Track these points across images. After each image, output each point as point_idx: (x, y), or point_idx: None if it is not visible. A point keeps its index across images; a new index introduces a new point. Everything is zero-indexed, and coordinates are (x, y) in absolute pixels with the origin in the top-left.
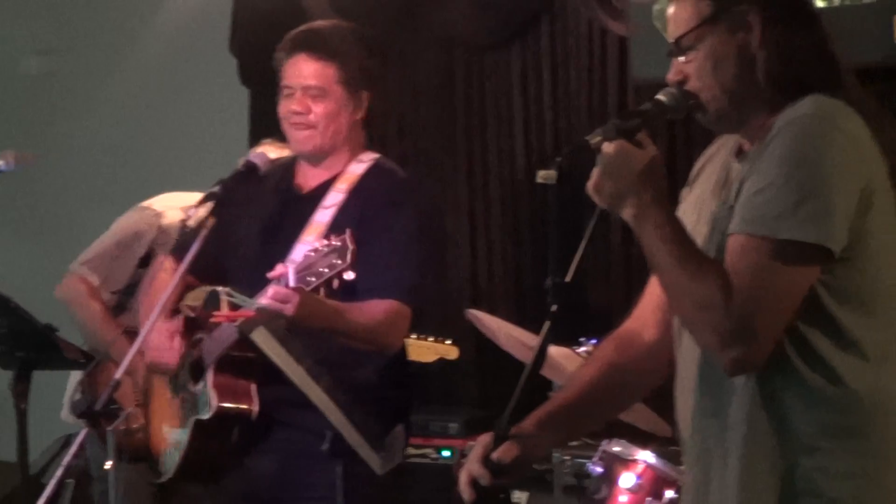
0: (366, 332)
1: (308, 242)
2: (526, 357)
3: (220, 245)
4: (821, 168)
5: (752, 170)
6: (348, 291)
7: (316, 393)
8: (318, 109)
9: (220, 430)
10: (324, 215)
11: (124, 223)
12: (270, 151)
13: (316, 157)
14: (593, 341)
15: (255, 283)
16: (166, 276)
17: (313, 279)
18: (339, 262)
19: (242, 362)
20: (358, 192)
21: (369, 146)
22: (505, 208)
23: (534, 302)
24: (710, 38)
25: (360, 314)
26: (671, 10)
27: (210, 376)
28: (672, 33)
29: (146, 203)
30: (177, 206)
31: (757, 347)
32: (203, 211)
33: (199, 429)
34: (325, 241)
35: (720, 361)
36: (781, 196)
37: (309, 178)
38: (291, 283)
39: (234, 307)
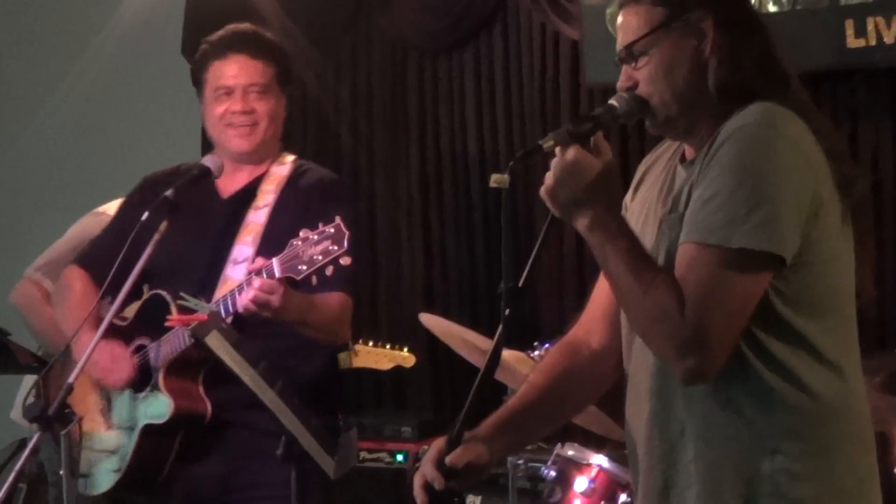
0: (328, 322)
1: (247, 243)
2: (479, 360)
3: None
4: (769, 176)
5: (699, 178)
6: (296, 286)
7: (270, 396)
8: (261, 107)
9: (171, 434)
10: (258, 216)
11: (79, 229)
12: None
13: (250, 157)
14: (546, 345)
15: (182, 287)
16: (79, 285)
17: (304, 267)
18: (336, 247)
19: (188, 365)
20: (289, 190)
21: (321, 150)
22: (458, 212)
23: (487, 305)
24: (662, 43)
25: (324, 305)
26: (621, 18)
27: (161, 380)
28: (623, 40)
29: (101, 209)
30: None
31: (712, 356)
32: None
33: (149, 434)
34: (316, 229)
35: (675, 371)
36: (731, 205)
37: (231, 181)
38: (277, 273)
39: (186, 311)
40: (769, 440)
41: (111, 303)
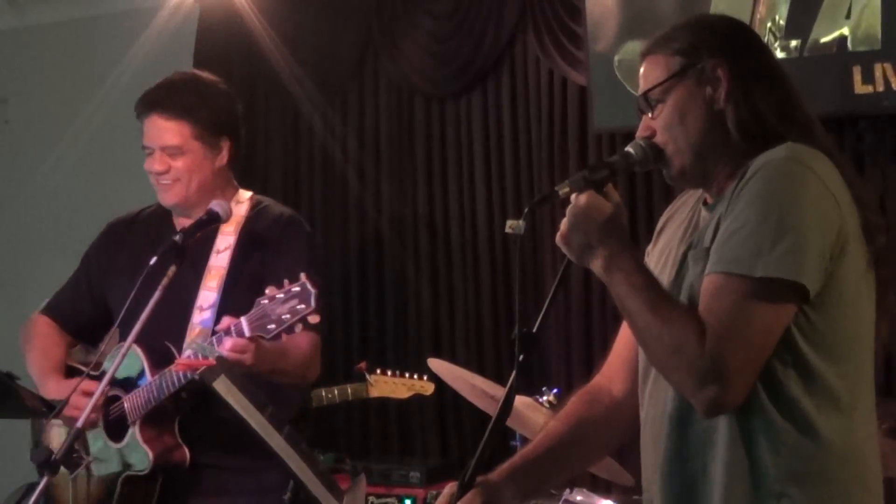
0: (297, 366)
1: (211, 288)
2: (486, 405)
3: (91, 298)
4: (796, 208)
5: (727, 211)
6: None
7: (277, 441)
8: (179, 165)
9: (148, 482)
10: (220, 259)
11: None
12: None
13: (185, 209)
14: (555, 391)
15: (150, 334)
16: (44, 332)
17: (273, 326)
18: (303, 306)
19: (163, 415)
20: (248, 231)
21: (328, 193)
22: (465, 256)
23: (493, 350)
24: (677, 91)
25: (292, 350)
26: (642, 69)
27: (137, 431)
28: (641, 88)
29: None
30: None
31: (732, 386)
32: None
33: (130, 483)
34: (282, 288)
35: (695, 403)
36: (757, 235)
37: (187, 224)
38: (247, 333)
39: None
40: (776, 483)
41: (87, 350)
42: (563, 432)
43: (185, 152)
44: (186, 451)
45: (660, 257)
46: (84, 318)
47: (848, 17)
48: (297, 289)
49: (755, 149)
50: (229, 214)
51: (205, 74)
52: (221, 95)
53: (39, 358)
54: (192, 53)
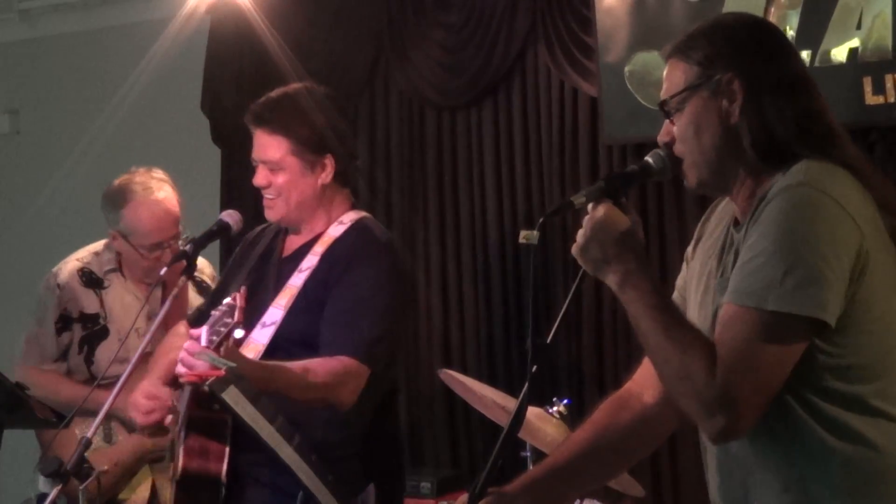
0: (309, 389)
1: (280, 306)
2: (498, 416)
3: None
4: (809, 237)
5: (745, 239)
6: (310, 347)
7: (287, 452)
8: (278, 181)
9: (203, 491)
10: (298, 279)
11: (37, 299)
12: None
13: (289, 224)
14: (565, 401)
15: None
16: (177, 339)
17: (215, 338)
18: (230, 320)
19: (215, 423)
20: (331, 253)
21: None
22: (476, 267)
23: (504, 361)
24: (692, 103)
25: (302, 373)
26: (666, 70)
27: (182, 437)
28: (663, 93)
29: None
30: (73, 258)
31: (739, 417)
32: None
33: (180, 489)
34: (228, 300)
35: (703, 430)
36: (769, 267)
37: (291, 242)
38: (203, 342)
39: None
40: (829, 502)
41: None
42: (588, 440)
43: (283, 168)
44: (224, 465)
45: (699, 276)
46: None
47: (859, 27)
48: (232, 301)
49: (771, 165)
50: (240, 226)
51: (317, 88)
52: (327, 111)
53: (154, 357)
54: (202, 65)
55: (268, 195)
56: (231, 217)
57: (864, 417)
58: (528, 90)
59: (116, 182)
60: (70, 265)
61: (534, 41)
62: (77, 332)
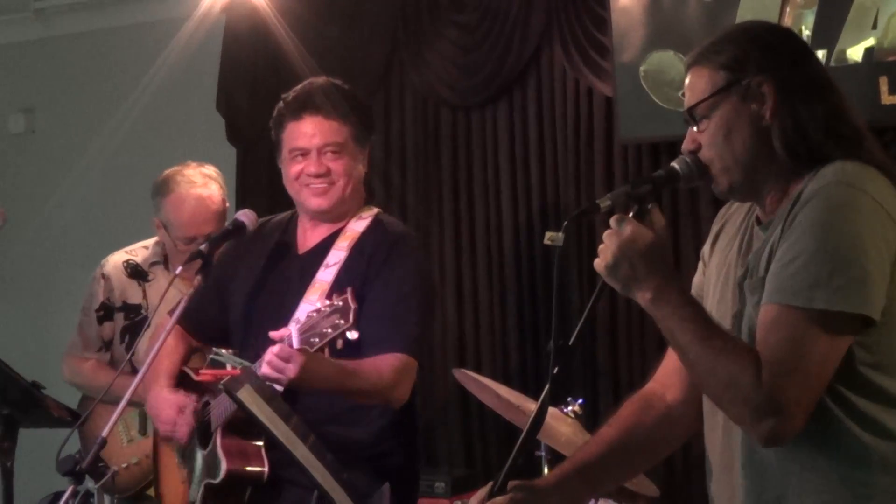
0: (373, 387)
1: (311, 301)
2: (512, 416)
3: (217, 303)
4: (851, 235)
5: (782, 239)
6: (354, 346)
7: (301, 451)
8: (337, 167)
9: (232, 494)
10: (327, 274)
11: (85, 289)
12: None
13: (331, 214)
14: (580, 401)
15: (254, 342)
16: (171, 339)
17: (317, 340)
18: (342, 321)
19: (248, 424)
20: (359, 248)
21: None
22: (490, 267)
23: (518, 361)
24: (722, 107)
25: (366, 371)
26: (688, 79)
27: (218, 440)
28: (687, 102)
29: (97, 271)
30: (123, 250)
31: (790, 419)
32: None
33: (210, 493)
34: (328, 301)
35: (754, 435)
36: (813, 265)
37: (308, 236)
38: (295, 344)
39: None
40: (866, 501)
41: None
42: (615, 438)
43: (344, 153)
44: (266, 466)
45: (717, 274)
46: (212, 324)
47: (874, 27)
48: (340, 303)
49: (802, 166)
50: (255, 225)
51: (341, 82)
52: (363, 101)
53: (156, 361)
54: (217, 64)
55: (320, 183)
56: (247, 216)
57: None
58: (543, 90)
59: (167, 171)
60: (116, 256)
61: (549, 40)
62: (119, 321)
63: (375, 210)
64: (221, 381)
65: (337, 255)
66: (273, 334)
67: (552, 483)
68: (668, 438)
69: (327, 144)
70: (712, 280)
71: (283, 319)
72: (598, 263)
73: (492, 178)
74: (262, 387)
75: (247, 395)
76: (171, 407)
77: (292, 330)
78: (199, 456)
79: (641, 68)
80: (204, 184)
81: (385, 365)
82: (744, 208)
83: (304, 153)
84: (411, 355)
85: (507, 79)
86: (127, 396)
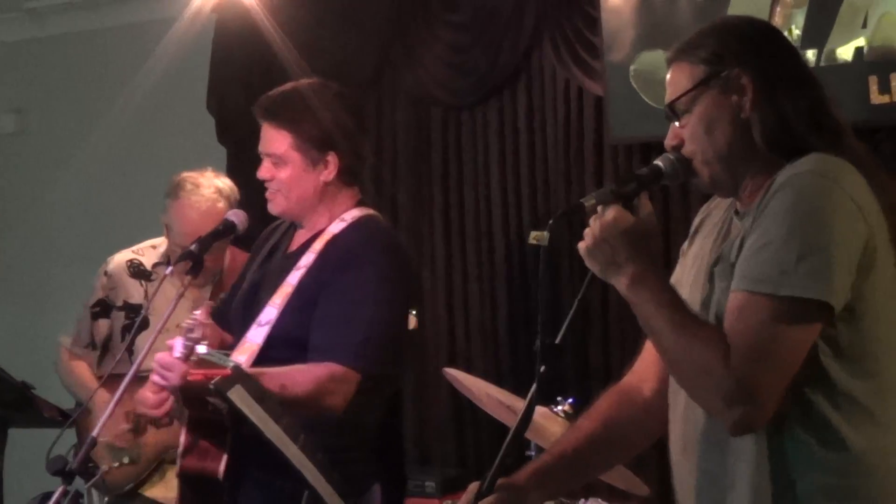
0: (294, 398)
1: (275, 305)
2: (502, 415)
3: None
4: (822, 224)
5: (753, 227)
6: (303, 348)
7: (292, 451)
8: (280, 175)
9: (201, 486)
10: (293, 277)
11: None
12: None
13: (293, 219)
14: (570, 400)
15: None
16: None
17: (185, 351)
18: (195, 335)
19: (214, 422)
20: (327, 252)
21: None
22: (481, 267)
23: (509, 360)
24: (702, 101)
25: (286, 380)
26: (669, 75)
27: (183, 433)
28: (668, 97)
29: (104, 268)
30: (128, 249)
31: (760, 406)
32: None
33: (182, 484)
34: (197, 313)
35: (723, 422)
36: (782, 253)
37: (297, 237)
38: (177, 352)
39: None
40: (806, 499)
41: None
42: (593, 430)
43: (286, 162)
44: (222, 464)
45: (693, 262)
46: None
47: (864, 27)
48: (199, 314)
49: (782, 158)
50: (245, 225)
51: (328, 84)
52: (335, 108)
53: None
54: (208, 64)
55: (269, 188)
56: (237, 216)
57: (849, 415)
58: (534, 89)
59: (184, 174)
60: (122, 255)
61: (540, 41)
62: (119, 320)
63: (364, 213)
64: (212, 382)
65: (307, 258)
66: (168, 342)
67: (530, 479)
68: (645, 431)
69: (270, 154)
70: (687, 269)
71: (249, 321)
72: (581, 246)
73: (483, 177)
74: (254, 387)
75: (238, 396)
76: (148, 389)
77: (177, 339)
78: None
79: (632, 68)
80: (211, 198)
81: (310, 376)
82: (724, 204)
83: (261, 158)
84: (349, 365)
85: (499, 79)
86: (117, 395)
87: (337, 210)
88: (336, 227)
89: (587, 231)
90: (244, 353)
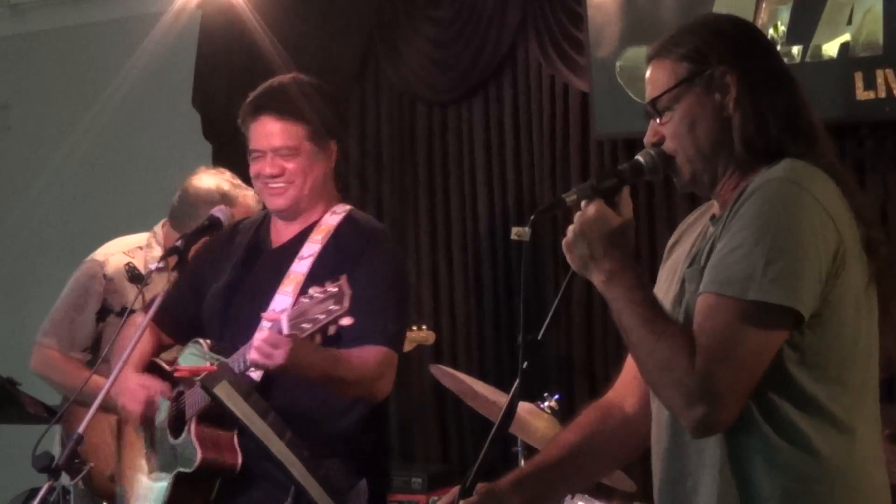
0: (360, 378)
1: (286, 293)
2: (488, 411)
3: (193, 300)
4: (791, 231)
5: (723, 231)
6: (333, 339)
7: (278, 447)
8: (292, 167)
9: (203, 483)
10: (301, 266)
11: (73, 283)
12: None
13: (293, 213)
14: (556, 396)
15: (230, 337)
16: (134, 331)
17: (308, 325)
18: (337, 307)
19: (225, 415)
20: (334, 242)
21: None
22: (466, 262)
23: (494, 356)
24: (685, 99)
25: (353, 360)
26: (649, 72)
27: (193, 428)
28: (649, 94)
29: (89, 256)
30: (118, 251)
31: (720, 407)
32: (164, 265)
33: (181, 482)
34: (321, 288)
35: (684, 422)
36: (751, 257)
37: (282, 231)
38: (285, 330)
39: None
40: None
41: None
42: (574, 443)
43: (299, 154)
44: (239, 456)
45: (669, 273)
46: (186, 321)
47: (849, 23)
48: (335, 289)
49: (757, 161)
50: (231, 220)
51: (309, 78)
52: (328, 97)
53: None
54: (193, 60)
55: (277, 183)
56: (222, 213)
57: (814, 420)
58: (519, 85)
59: (212, 184)
60: (117, 258)
61: (524, 36)
62: (115, 324)
63: (348, 206)
64: (198, 377)
65: (311, 248)
66: (266, 316)
67: (510, 484)
68: (626, 446)
69: (280, 147)
70: (663, 280)
71: (259, 312)
72: (564, 242)
73: (468, 173)
74: (239, 383)
75: (223, 392)
76: (136, 384)
77: (282, 316)
78: (169, 445)
79: (617, 64)
80: (250, 190)
81: (369, 357)
82: (705, 216)
83: (262, 154)
84: (392, 348)
85: (483, 74)
86: (103, 393)
87: (329, 203)
88: (332, 219)
89: (570, 227)
90: None
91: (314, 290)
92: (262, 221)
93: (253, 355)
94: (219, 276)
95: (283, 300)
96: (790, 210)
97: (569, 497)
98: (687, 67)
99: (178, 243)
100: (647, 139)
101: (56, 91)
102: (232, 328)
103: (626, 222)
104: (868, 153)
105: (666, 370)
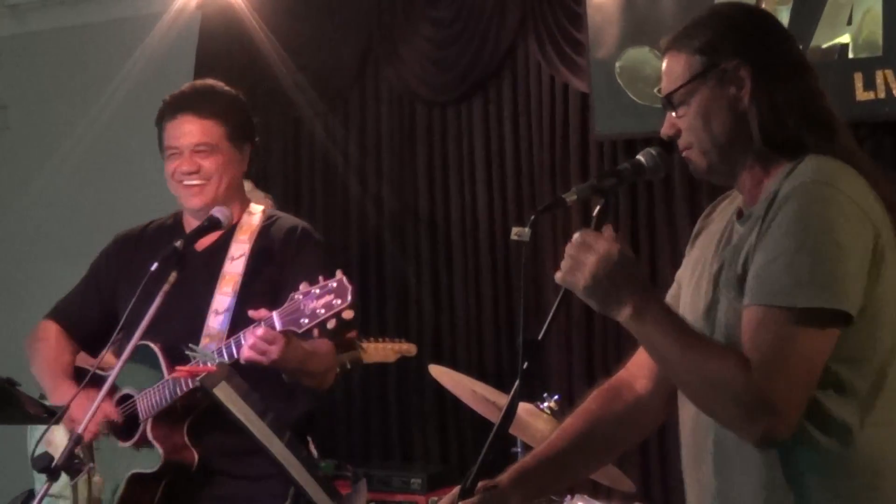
0: (324, 371)
1: (227, 293)
2: (487, 412)
3: (100, 307)
4: (830, 233)
5: (759, 239)
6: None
7: (278, 448)
8: (208, 164)
9: (154, 482)
10: (235, 266)
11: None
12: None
13: (206, 213)
14: (556, 397)
15: (167, 337)
16: (53, 337)
17: (306, 321)
18: (339, 301)
19: (174, 415)
20: (262, 240)
21: (330, 201)
22: (466, 263)
23: (494, 357)
24: (700, 93)
25: (320, 353)
26: (664, 64)
27: (149, 430)
28: (665, 88)
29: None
30: None
31: (783, 417)
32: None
33: (134, 482)
34: (316, 283)
35: (747, 436)
36: (795, 265)
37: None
38: (278, 326)
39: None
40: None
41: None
42: (580, 429)
43: (216, 152)
44: (195, 452)
45: (694, 268)
46: (92, 326)
47: (849, 23)
48: (334, 284)
49: (777, 151)
50: (230, 220)
51: (222, 84)
52: (242, 103)
53: (48, 363)
54: (193, 60)
55: (193, 181)
56: (221, 213)
57: (861, 420)
58: (519, 86)
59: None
60: None
61: (524, 37)
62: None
63: (262, 206)
64: (198, 378)
65: (240, 248)
66: (254, 314)
67: (511, 480)
68: (635, 428)
69: (199, 143)
70: (688, 273)
71: (198, 314)
72: (559, 277)
73: (467, 174)
74: (238, 383)
75: (223, 393)
76: (84, 403)
77: (273, 313)
78: (115, 449)
79: (617, 64)
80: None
81: (327, 349)
82: (729, 209)
83: (179, 152)
84: (332, 340)
85: (483, 74)
86: (102, 394)
87: (243, 204)
88: (251, 218)
89: (571, 265)
90: (214, 341)
91: (307, 286)
92: (176, 225)
93: (247, 352)
94: (129, 281)
95: (223, 300)
96: (826, 213)
97: (568, 497)
98: (701, 61)
99: (178, 244)
100: (664, 131)
101: (55, 91)
102: (164, 328)
103: (629, 252)
104: (868, 154)
105: (720, 389)
